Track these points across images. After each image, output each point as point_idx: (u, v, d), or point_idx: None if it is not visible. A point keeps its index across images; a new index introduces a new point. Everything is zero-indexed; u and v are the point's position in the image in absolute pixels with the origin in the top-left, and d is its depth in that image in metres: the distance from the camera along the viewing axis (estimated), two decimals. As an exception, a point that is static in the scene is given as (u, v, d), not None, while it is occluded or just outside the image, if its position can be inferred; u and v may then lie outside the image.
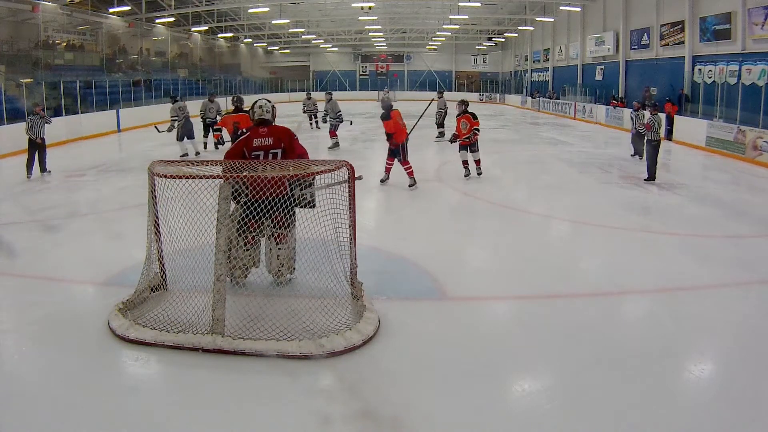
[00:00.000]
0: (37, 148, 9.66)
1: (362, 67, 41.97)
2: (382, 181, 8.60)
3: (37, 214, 7.17)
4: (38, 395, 3.03)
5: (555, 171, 10.65)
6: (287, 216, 4.12)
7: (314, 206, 4.11)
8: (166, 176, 3.83)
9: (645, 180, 9.11)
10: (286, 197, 4.01)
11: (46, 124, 9.78)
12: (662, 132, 9.07)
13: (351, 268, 4.13)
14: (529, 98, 29.81)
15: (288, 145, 4.31)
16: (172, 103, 11.84)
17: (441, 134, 14.58)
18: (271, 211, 3.90)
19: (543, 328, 3.89)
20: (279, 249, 4.29)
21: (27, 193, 8.55)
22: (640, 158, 11.09)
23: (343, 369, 3.30)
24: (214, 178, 3.68)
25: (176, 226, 3.98)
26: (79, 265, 5.22)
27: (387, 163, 8.56)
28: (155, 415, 2.90)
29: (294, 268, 4.43)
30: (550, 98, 26.77)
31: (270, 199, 3.88)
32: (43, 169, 9.77)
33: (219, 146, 12.60)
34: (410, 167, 8.29)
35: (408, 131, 8.32)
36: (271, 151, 4.25)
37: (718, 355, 3.64)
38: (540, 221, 6.90)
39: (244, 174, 3.72)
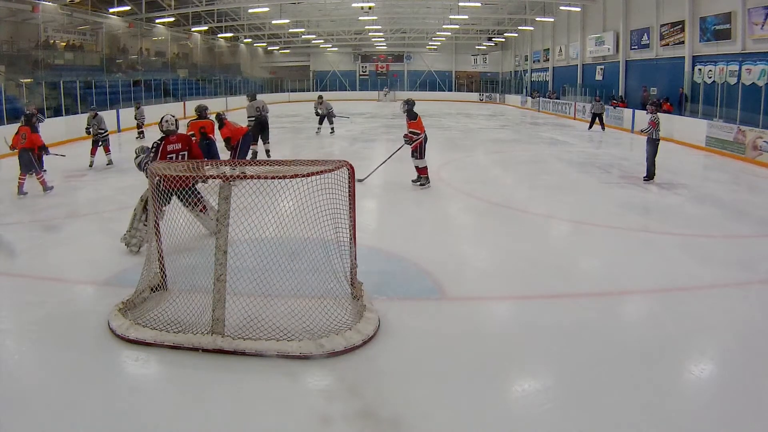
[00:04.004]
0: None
1: (362, 67, 41.96)
2: (422, 184, 8.34)
3: (37, 214, 7.17)
4: (38, 395, 3.03)
5: (555, 171, 10.65)
6: (196, 196, 4.96)
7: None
8: (166, 176, 3.84)
9: (644, 179, 9.12)
10: (191, 186, 4.68)
11: (39, 123, 9.78)
12: (661, 131, 9.07)
13: (351, 268, 4.14)
14: (529, 98, 29.79)
15: (190, 147, 5.62)
16: None
17: (319, 130, 16.62)
18: (184, 199, 4.85)
19: (543, 328, 3.89)
20: (207, 214, 5.24)
21: (27, 193, 8.54)
22: (589, 129, 17.57)
23: (343, 369, 3.30)
24: (214, 178, 3.69)
25: (176, 226, 3.99)
26: (79, 265, 5.22)
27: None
28: (155, 415, 2.90)
29: None
30: (550, 98, 26.76)
31: (181, 190, 4.55)
32: (40, 167, 9.76)
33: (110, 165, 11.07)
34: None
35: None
36: (181, 153, 5.48)
37: (718, 355, 3.64)
38: (540, 221, 6.89)
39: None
